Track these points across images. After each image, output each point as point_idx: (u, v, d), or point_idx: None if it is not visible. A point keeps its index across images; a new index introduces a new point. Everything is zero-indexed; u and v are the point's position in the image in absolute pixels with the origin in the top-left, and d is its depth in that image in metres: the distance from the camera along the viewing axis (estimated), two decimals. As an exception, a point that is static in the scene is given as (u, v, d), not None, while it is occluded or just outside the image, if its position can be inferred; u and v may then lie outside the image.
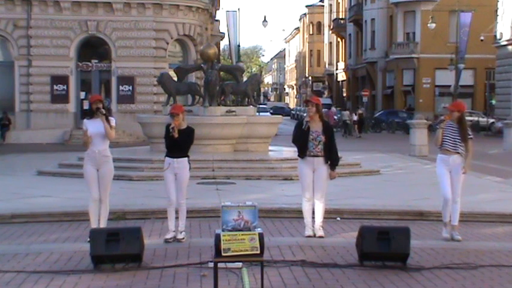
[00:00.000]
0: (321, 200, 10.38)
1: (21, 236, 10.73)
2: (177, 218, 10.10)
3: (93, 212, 10.19)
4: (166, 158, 10.16)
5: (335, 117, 48.00)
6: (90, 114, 10.26)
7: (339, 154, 10.62)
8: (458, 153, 10.30)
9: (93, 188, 10.16)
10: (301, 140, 10.24)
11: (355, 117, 45.59)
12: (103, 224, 10.18)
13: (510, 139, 31.42)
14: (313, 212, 10.46)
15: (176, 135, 9.91)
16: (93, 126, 10.07)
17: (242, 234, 7.18)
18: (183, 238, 10.06)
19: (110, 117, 10.19)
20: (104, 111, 10.05)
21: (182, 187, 10.12)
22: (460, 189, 10.40)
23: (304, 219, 10.48)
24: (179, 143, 10.04)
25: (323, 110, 10.90)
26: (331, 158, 10.34)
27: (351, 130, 45.34)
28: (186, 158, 10.18)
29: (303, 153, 10.26)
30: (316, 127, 10.20)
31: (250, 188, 15.50)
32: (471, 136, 10.44)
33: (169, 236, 9.94)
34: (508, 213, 12.63)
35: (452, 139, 10.28)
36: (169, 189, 10.11)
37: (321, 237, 10.30)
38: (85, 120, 10.26)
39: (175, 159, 10.08)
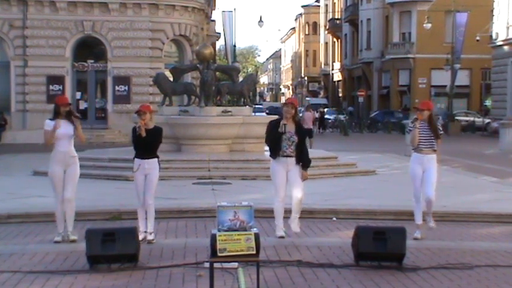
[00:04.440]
0: (298, 196, 10.23)
1: (18, 236, 10.72)
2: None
3: (60, 214, 10.02)
4: (136, 159, 10.15)
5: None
6: (54, 115, 9.94)
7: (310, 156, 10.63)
8: (434, 151, 10.52)
9: (59, 190, 10.01)
10: (275, 140, 10.27)
11: (316, 115, 46.46)
12: (70, 226, 10.01)
13: (506, 139, 31.47)
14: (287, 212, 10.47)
15: (143, 134, 9.88)
16: (60, 127, 9.87)
17: (238, 235, 7.18)
18: (153, 239, 10.00)
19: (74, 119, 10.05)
20: (78, 115, 9.98)
21: (151, 188, 10.11)
22: (434, 187, 10.49)
23: (276, 220, 10.49)
24: (147, 143, 10.02)
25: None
26: (303, 159, 10.36)
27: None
28: (156, 159, 10.19)
29: (275, 153, 10.29)
30: (290, 128, 10.24)
31: (246, 188, 15.49)
32: (442, 132, 10.66)
33: (140, 237, 9.57)
34: (504, 213, 12.65)
35: (426, 138, 10.42)
36: (140, 191, 10.14)
37: (295, 232, 10.29)
38: (48, 121, 9.95)
39: (145, 160, 10.08)
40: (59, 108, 9.94)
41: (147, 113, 10.05)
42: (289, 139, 10.20)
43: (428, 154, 10.46)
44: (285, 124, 10.15)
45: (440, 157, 10.76)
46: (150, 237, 9.99)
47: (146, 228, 10.07)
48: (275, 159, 10.33)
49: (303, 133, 10.47)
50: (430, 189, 10.43)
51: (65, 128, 9.90)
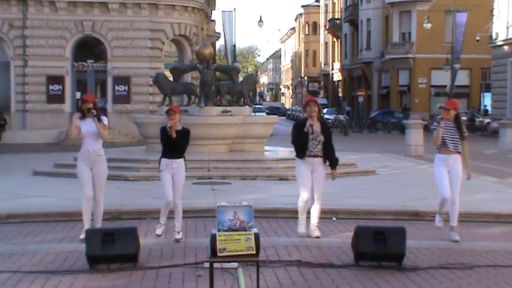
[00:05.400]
0: (318, 201, 10.39)
1: (17, 236, 10.71)
2: (172, 218, 10.11)
3: (86, 211, 10.16)
4: (163, 159, 10.16)
5: None
6: (82, 113, 10.19)
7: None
8: (458, 152, 10.37)
9: (86, 186, 10.15)
10: (301, 140, 10.24)
11: None
12: (98, 224, 10.18)
13: (505, 139, 31.52)
14: (308, 212, 10.48)
15: (174, 135, 9.92)
16: (86, 125, 10.06)
17: (238, 234, 7.18)
18: (182, 238, 10.08)
19: (102, 117, 10.19)
20: (95, 112, 10.05)
21: (180, 187, 10.16)
22: (459, 189, 10.42)
23: (299, 216, 10.46)
24: (176, 144, 10.05)
25: None
26: (331, 158, 10.35)
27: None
28: (182, 159, 10.21)
29: (302, 153, 10.24)
30: (316, 127, 10.20)
31: (246, 188, 15.49)
32: (467, 133, 10.55)
33: (159, 231, 10.02)
34: (504, 213, 12.64)
35: (452, 138, 10.29)
36: (168, 190, 10.11)
37: (317, 237, 10.31)
38: (78, 119, 10.20)
39: (173, 160, 10.10)
40: (81, 107, 10.12)
41: (177, 113, 10.07)
42: (316, 139, 10.16)
43: (453, 154, 10.32)
44: (311, 124, 10.13)
45: (470, 164, 10.77)
46: (178, 236, 10.08)
47: (166, 222, 10.16)
48: (302, 160, 10.28)
49: (328, 131, 10.42)
50: (454, 193, 10.32)
51: (88, 126, 10.05)
